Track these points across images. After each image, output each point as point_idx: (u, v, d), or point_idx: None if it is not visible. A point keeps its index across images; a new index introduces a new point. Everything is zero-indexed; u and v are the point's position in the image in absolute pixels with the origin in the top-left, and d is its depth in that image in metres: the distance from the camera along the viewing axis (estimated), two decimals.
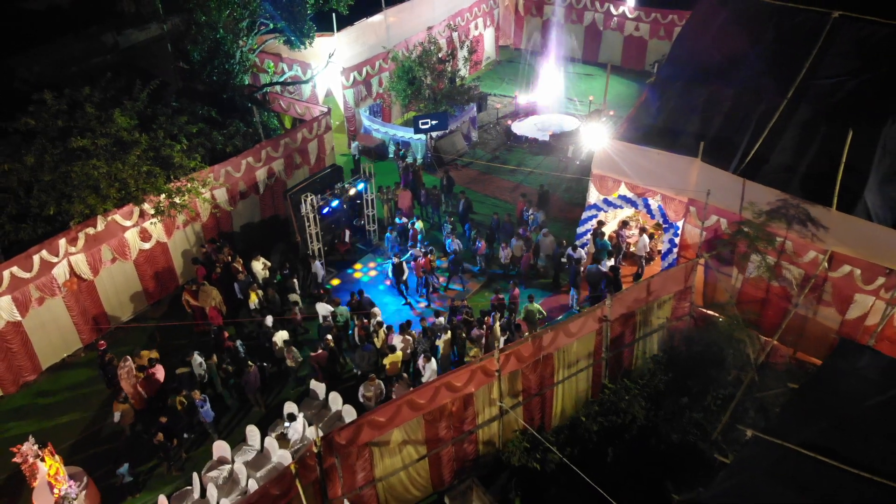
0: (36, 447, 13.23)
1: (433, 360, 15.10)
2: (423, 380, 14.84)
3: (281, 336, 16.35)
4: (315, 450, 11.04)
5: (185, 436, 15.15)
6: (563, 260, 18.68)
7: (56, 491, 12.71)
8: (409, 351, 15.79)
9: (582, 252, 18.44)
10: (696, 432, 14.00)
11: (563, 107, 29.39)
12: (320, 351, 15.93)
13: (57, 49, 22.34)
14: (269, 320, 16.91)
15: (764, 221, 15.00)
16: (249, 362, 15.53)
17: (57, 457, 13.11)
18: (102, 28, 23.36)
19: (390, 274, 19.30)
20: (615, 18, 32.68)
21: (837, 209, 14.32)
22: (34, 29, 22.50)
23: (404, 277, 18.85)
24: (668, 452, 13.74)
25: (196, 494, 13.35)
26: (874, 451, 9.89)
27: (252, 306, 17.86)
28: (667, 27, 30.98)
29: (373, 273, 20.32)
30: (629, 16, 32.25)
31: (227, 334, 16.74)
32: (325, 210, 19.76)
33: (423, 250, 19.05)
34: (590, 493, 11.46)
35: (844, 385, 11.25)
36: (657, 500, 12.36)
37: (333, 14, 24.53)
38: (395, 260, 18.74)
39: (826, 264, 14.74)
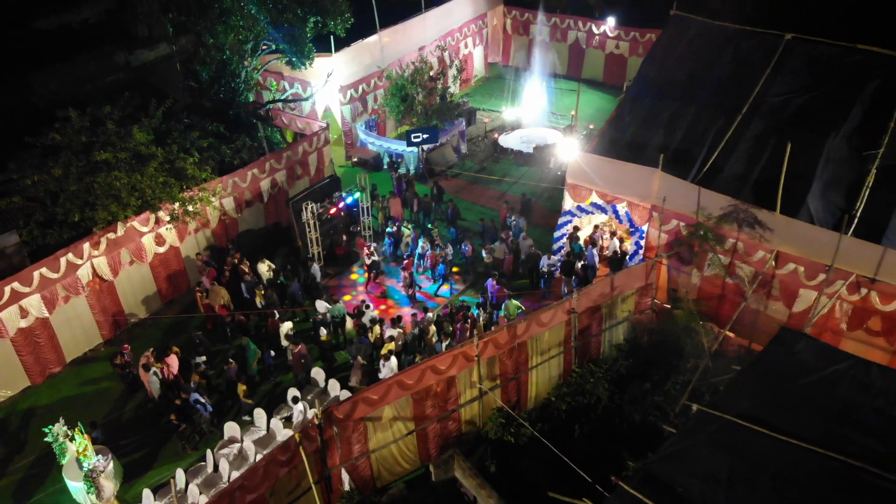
0: (65, 427, 14.80)
1: (392, 358, 16.33)
2: (381, 377, 16.05)
3: (286, 326, 17.87)
4: (316, 422, 12.63)
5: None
6: (543, 268, 20.27)
7: (86, 465, 14.25)
8: (400, 342, 17.36)
9: (555, 258, 20.01)
10: (656, 413, 15.39)
11: (547, 120, 30.86)
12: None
13: (72, 67, 23.62)
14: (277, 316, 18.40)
15: (716, 223, 16.56)
16: (230, 359, 17.05)
17: (85, 435, 14.63)
18: (115, 47, 24.63)
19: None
20: (597, 37, 34.05)
21: (782, 213, 15.77)
22: (50, 48, 23.85)
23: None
24: (630, 430, 15.18)
25: (210, 469, 14.89)
26: (801, 421, 11.24)
27: (258, 304, 19.42)
28: (645, 45, 32.14)
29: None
30: (610, 35, 33.62)
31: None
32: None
33: (432, 252, 20.67)
34: (558, 464, 12.95)
35: (781, 366, 12.59)
36: (616, 468, 13.89)
37: (331, 36, 25.90)
38: (369, 260, 20.58)
39: (773, 262, 16.25)
